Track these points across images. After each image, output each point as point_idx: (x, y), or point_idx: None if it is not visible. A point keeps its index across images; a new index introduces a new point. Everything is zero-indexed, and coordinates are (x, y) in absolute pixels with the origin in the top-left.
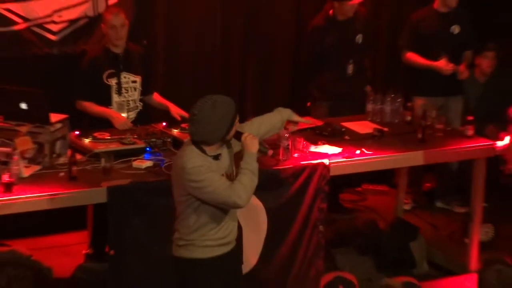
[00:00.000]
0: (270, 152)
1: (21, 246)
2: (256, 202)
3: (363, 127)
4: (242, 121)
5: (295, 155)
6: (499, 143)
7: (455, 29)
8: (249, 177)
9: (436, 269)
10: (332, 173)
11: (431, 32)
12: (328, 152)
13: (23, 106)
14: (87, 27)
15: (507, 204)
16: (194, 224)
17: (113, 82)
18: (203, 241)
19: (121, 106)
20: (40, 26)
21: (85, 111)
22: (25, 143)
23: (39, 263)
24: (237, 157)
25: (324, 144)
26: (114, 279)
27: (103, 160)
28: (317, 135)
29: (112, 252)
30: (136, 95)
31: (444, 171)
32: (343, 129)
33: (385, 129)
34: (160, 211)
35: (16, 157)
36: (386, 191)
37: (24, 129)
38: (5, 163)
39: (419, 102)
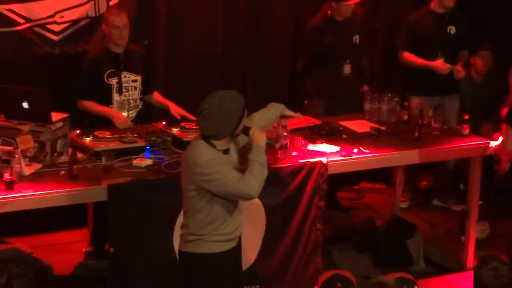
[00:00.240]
0: (278, 145)
1: (22, 244)
2: (254, 200)
3: (360, 126)
4: None
5: (294, 153)
6: (493, 143)
7: (452, 29)
8: (259, 169)
9: (433, 267)
10: (330, 171)
11: (428, 32)
12: (326, 150)
13: (25, 105)
14: (89, 27)
15: (502, 202)
16: (204, 219)
17: (113, 81)
18: (213, 236)
19: (121, 105)
20: (42, 26)
21: (86, 110)
22: (26, 142)
23: (40, 261)
24: (241, 153)
25: (322, 142)
26: (114, 276)
27: (103, 158)
28: (315, 133)
29: (112, 249)
30: (136, 94)
31: (440, 169)
32: (341, 128)
33: (382, 128)
34: (160, 209)
35: (17, 155)
36: (383, 189)
37: (25, 127)
38: (7, 162)
39: (415, 101)
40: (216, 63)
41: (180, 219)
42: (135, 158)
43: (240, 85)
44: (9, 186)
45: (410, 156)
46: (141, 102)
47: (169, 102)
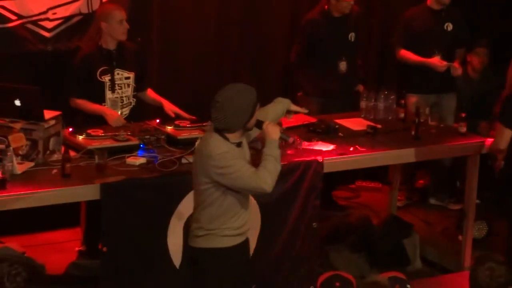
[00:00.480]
0: (291, 139)
1: (14, 243)
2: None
3: (356, 124)
4: None
5: (289, 152)
6: (489, 141)
7: (449, 26)
8: (273, 163)
9: (429, 266)
10: (325, 170)
11: (424, 29)
12: (322, 149)
13: (17, 103)
14: (81, 24)
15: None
16: (216, 212)
17: (106, 79)
18: (223, 230)
19: (114, 102)
20: (34, 23)
21: (78, 109)
22: (18, 140)
23: (32, 260)
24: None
25: (317, 141)
26: (107, 276)
27: (96, 157)
28: (310, 132)
29: (105, 249)
30: (129, 91)
31: (437, 168)
32: (337, 126)
33: (379, 126)
34: (153, 208)
35: (9, 153)
36: (380, 188)
37: (18, 125)
38: None
39: (412, 99)
40: (211, 60)
41: (174, 218)
42: (128, 157)
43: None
44: (1, 184)
45: (407, 155)
46: (135, 100)
47: (163, 99)
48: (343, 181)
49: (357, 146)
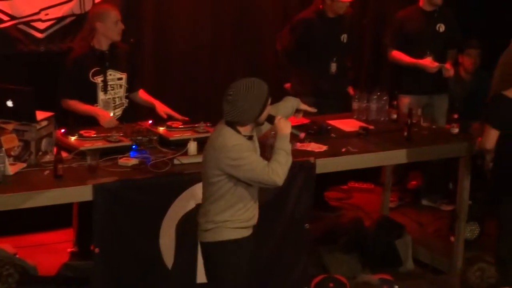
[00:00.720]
0: (302, 135)
1: (6, 244)
2: None
3: (348, 125)
4: None
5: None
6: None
7: (440, 27)
8: (285, 157)
9: (421, 267)
10: (318, 171)
11: (416, 30)
12: (314, 150)
13: (9, 103)
14: (74, 25)
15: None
16: (225, 204)
17: (98, 79)
18: (233, 222)
19: (107, 103)
20: (27, 24)
21: (70, 110)
22: (11, 141)
23: (24, 261)
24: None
25: (310, 142)
26: (99, 277)
27: (89, 158)
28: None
29: (97, 250)
30: (122, 92)
31: (429, 169)
32: (329, 127)
33: (371, 127)
34: (146, 209)
35: (1, 154)
36: (372, 189)
37: (10, 126)
38: None
39: (404, 100)
40: (204, 61)
41: (166, 219)
42: (121, 158)
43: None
44: None
45: (399, 156)
46: (127, 100)
47: (155, 100)
48: (335, 182)
49: (349, 147)
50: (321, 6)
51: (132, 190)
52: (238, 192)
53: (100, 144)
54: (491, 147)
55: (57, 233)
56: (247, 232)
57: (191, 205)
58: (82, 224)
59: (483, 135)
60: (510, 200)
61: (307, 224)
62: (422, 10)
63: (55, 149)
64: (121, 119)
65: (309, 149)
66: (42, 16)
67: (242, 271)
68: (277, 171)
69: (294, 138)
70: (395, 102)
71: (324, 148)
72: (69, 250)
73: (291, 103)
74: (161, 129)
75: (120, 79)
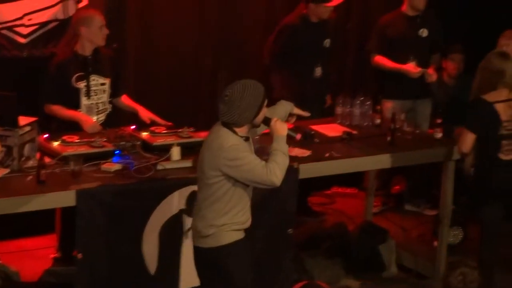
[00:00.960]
0: (298, 136)
1: None
2: None
3: (332, 130)
4: (212, 122)
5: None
6: None
7: (423, 32)
8: (282, 157)
9: (405, 272)
10: (301, 176)
11: (399, 35)
12: (297, 155)
13: None
14: (57, 30)
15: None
16: (224, 207)
17: (82, 85)
18: (231, 225)
19: (90, 109)
20: (10, 29)
21: (54, 115)
22: None
23: (7, 267)
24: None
25: (294, 147)
26: (82, 282)
27: (72, 163)
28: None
29: (80, 255)
30: (105, 97)
31: (413, 174)
32: (313, 132)
33: (354, 132)
34: (129, 215)
35: None
36: (355, 194)
37: None
38: None
39: (388, 105)
40: (187, 66)
41: (149, 225)
42: (104, 163)
43: (211, 89)
44: None
45: (382, 161)
46: (111, 106)
47: (138, 106)
48: (318, 187)
49: (332, 152)
50: (305, 11)
51: (115, 196)
52: (236, 193)
53: (83, 150)
54: (467, 150)
55: (40, 238)
56: (243, 234)
57: (174, 210)
58: (65, 229)
59: (460, 138)
60: (492, 204)
61: (290, 229)
62: (405, 15)
63: (38, 155)
64: (104, 124)
65: (292, 154)
66: (25, 21)
67: (249, 270)
68: (275, 171)
69: (290, 139)
70: (378, 107)
71: (307, 153)
72: (52, 256)
73: (285, 107)
74: (144, 134)
75: (103, 84)
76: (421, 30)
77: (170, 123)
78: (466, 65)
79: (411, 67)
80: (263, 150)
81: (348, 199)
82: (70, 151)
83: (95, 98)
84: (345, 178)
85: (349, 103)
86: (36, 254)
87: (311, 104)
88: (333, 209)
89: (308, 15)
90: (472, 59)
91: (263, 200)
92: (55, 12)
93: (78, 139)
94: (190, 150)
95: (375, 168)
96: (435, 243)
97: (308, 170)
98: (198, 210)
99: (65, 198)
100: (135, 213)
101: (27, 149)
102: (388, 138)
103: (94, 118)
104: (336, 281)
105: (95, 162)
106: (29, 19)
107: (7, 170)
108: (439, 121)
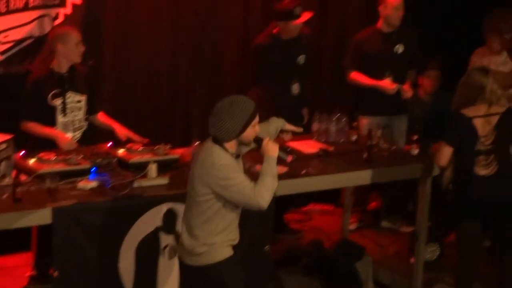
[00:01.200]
0: (289, 158)
1: None
2: None
3: (308, 146)
4: (188, 139)
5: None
6: None
7: (399, 48)
8: (270, 180)
9: None
10: (278, 192)
11: (374, 52)
12: None
13: None
14: (33, 47)
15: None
16: (216, 228)
17: (58, 102)
18: (223, 243)
19: (66, 126)
20: None
21: (30, 132)
22: None
23: None
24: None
25: None
26: None
27: (48, 181)
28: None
29: (56, 273)
30: (81, 114)
31: (389, 190)
32: (289, 149)
33: (331, 148)
34: (105, 232)
35: None
36: (332, 210)
37: None
38: None
39: (364, 121)
40: (163, 83)
41: (126, 242)
42: (80, 181)
43: (187, 106)
44: None
45: (359, 177)
46: (87, 123)
47: (115, 123)
48: (295, 204)
49: (309, 169)
50: (275, 30)
51: (91, 213)
52: (229, 213)
53: (59, 167)
54: (444, 163)
55: (16, 257)
56: (232, 251)
57: (151, 228)
58: (41, 247)
59: (437, 152)
60: (470, 219)
61: (267, 246)
62: (381, 31)
63: (14, 172)
64: (81, 141)
65: None
66: (1, 38)
67: (242, 284)
68: (263, 194)
69: (280, 161)
70: (355, 123)
71: (284, 170)
72: (28, 274)
73: (274, 124)
74: (121, 151)
75: (79, 101)
76: (397, 46)
77: (146, 140)
78: (442, 80)
79: (387, 83)
80: (250, 169)
81: (325, 216)
82: (46, 168)
83: (71, 115)
84: (321, 195)
85: (326, 120)
86: (12, 272)
87: (289, 122)
88: (310, 226)
89: (279, 33)
90: (447, 74)
91: (240, 217)
92: (31, 29)
93: (54, 157)
94: (167, 167)
95: (351, 184)
96: (412, 260)
97: (284, 187)
98: (189, 229)
99: (41, 216)
100: (112, 230)
101: (3, 166)
102: (365, 155)
103: (70, 136)
104: None
105: (71, 180)
106: (5, 36)
107: None
108: (415, 137)
